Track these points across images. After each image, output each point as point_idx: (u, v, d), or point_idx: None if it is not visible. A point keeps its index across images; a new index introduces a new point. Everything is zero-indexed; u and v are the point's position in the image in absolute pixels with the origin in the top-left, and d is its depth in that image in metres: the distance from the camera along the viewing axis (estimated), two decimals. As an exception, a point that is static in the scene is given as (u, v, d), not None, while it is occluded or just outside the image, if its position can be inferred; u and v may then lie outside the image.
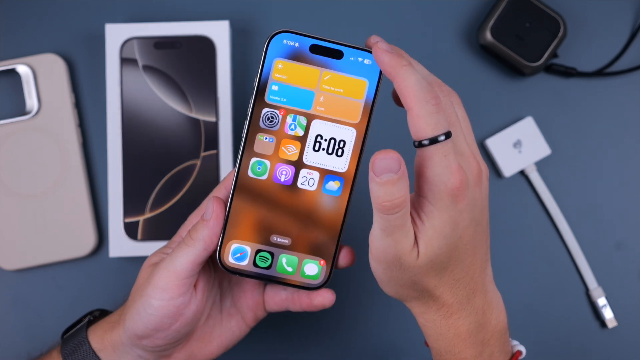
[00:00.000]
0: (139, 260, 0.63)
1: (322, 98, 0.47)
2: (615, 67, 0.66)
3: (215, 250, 0.48)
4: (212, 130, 0.63)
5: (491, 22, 0.64)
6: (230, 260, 0.48)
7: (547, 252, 0.65)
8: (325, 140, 0.47)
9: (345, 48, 0.47)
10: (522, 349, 0.52)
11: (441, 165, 0.44)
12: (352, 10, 0.66)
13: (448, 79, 0.66)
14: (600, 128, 0.66)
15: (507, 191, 0.66)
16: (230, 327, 0.53)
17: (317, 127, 0.47)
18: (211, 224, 0.47)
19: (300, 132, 0.47)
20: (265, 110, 0.47)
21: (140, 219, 0.62)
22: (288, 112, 0.47)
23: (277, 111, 0.47)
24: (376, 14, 0.66)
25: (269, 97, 0.47)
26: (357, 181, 0.48)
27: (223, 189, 0.49)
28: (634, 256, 0.65)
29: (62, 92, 0.64)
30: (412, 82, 0.44)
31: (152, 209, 0.62)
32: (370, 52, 0.47)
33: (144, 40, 0.63)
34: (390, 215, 0.43)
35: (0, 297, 0.63)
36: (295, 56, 0.46)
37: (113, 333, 0.50)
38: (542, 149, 0.65)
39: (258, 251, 0.48)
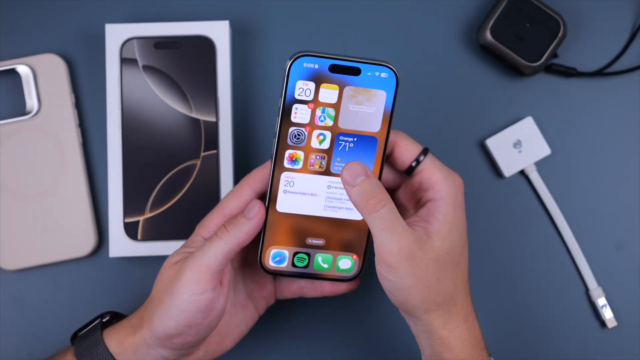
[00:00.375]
0: (139, 260, 0.63)
1: (344, 113, 0.50)
2: (615, 67, 0.66)
3: (244, 247, 0.51)
4: (212, 130, 0.63)
5: (491, 22, 0.64)
6: (271, 263, 0.52)
7: (547, 252, 0.65)
8: (350, 149, 0.51)
9: (363, 65, 0.49)
10: None
11: (442, 168, 0.51)
12: (352, 11, 0.66)
13: (448, 79, 0.66)
14: (600, 128, 0.66)
15: (507, 191, 0.66)
16: (244, 319, 0.55)
17: (342, 139, 0.50)
18: (254, 222, 0.49)
19: (326, 146, 0.50)
20: (292, 129, 0.50)
21: (140, 219, 0.62)
22: (313, 128, 0.50)
23: (303, 129, 0.50)
24: (376, 14, 0.66)
25: (293, 117, 0.50)
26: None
27: (253, 183, 0.52)
28: (634, 256, 0.65)
29: (62, 92, 0.64)
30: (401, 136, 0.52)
31: (152, 209, 0.62)
32: (386, 65, 0.50)
33: (144, 40, 0.63)
34: (380, 211, 0.47)
35: (0, 297, 0.63)
36: (315, 77, 0.49)
37: (135, 336, 0.50)
38: (542, 149, 0.65)
39: (295, 253, 0.53)
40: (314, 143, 0.50)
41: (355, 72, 0.49)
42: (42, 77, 0.64)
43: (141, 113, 0.63)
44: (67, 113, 0.64)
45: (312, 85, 0.49)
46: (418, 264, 0.47)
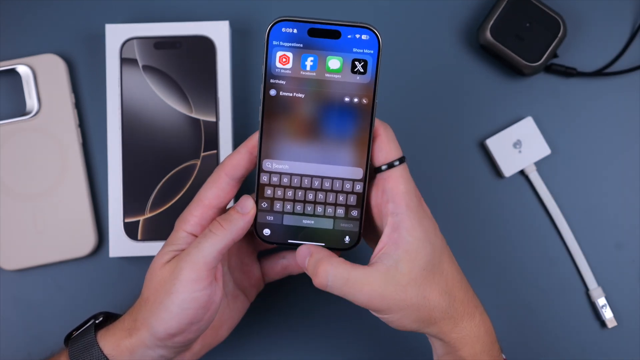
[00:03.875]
0: (139, 260, 0.63)
1: (326, 82, 0.49)
2: (615, 67, 0.66)
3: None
4: (212, 130, 0.63)
5: (491, 22, 0.64)
6: (266, 231, 0.51)
7: (547, 252, 0.65)
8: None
9: (342, 28, 0.48)
10: None
11: (408, 182, 0.50)
12: (352, 11, 0.66)
13: (448, 79, 0.66)
14: (600, 128, 0.66)
15: (507, 191, 0.66)
16: (236, 308, 0.56)
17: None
18: (248, 217, 0.50)
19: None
20: (271, 91, 0.49)
21: (140, 219, 0.62)
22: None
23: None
24: (376, 14, 0.66)
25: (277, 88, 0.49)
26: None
27: (229, 170, 0.51)
28: (634, 256, 0.65)
29: (62, 92, 0.64)
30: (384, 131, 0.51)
31: (152, 209, 0.62)
32: (367, 27, 0.48)
33: (144, 40, 0.63)
34: (329, 283, 0.48)
35: (0, 297, 0.63)
36: (295, 42, 0.48)
37: (132, 338, 0.50)
38: (542, 149, 0.65)
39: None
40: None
41: (335, 35, 0.48)
42: (42, 77, 0.64)
43: (141, 113, 0.63)
44: (67, 113, 0.64)
45: (290, 54, 0.48)
46: (394, 298, 0.48)
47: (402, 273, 0.48)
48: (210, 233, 0.49)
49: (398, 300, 0.48)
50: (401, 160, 0.50)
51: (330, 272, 0.48)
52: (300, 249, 0.50)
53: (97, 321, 0.53)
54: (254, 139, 0.51)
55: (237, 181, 0.51)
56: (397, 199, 0.49)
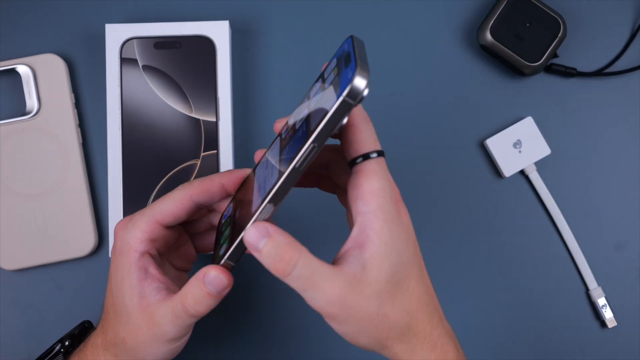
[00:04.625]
0: (139, 260, 0.63)
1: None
2: (615, 67, 0.66)
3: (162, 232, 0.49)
4: (212, 130, 0.63)
5: (491, 22, 0.64)
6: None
7: (547, 252, 0.65)
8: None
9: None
10: None
11: (384, 177, 0.43)
12: (352, 11, 0.66)
13: (448, 79, 0.66)
14: (600, 128, 0.66)
15: (507, 191, 0.66)
16: (182, 284, 0.52)
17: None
18: (219, 297, 0.46)
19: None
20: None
21: (140, 219, 0.62)
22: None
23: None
24: (376, 14, 0.66)
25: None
26: None
27: (196, 194, 0.49)
28: (634, 256, 0.65)
29: (62, 92, 0.64)
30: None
31: (152, 209, 0.62)
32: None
33: (144, 40, 0.63)
34: (293, 272, 0.42)
35: (0, 297, 0.63)
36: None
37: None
38: (542, 149, 0.65)
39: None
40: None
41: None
42: (42, 77, 0.64)
43: (141, 113, 0.63)
44: (67, 113, 0.64)
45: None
46: (355, 308, 0.42)
47: (367, 282, 0.42)
48: (177, 318, 0.47)
49: (358, 311, 0.42)
50: (379, 153, 0.44)
51: (300, 262, 0.42)
52: (252, 228, 0.43)
53: (65, 344, 0.53)
54: (238, 175, 0.48)
55: (199, 207, 0.49)
56: (367, 196, 0.43)
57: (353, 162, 0.44)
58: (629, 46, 0.66)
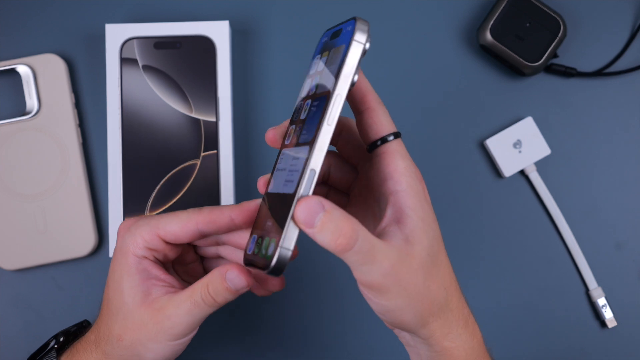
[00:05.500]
0: (139, 260, 0.63)
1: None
2: (615, 67, 0.66)
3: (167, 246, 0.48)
4: (212, 130, 0.63)
5: (491, 22, 0.64)
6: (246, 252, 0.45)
7: (547, 252, 0.65)
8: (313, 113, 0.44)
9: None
10: None
11: (406, 157, 0.44)
12: (352, 11, 0.66)
13: (448, 79, 0.66)
14: (600, 128, 0.66)
15: (507, 191, 0.66)
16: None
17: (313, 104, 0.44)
18: (237, 294, 0.47)
19: (304, 116, 0.45)
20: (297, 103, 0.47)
21: (140, 219, 0.62)
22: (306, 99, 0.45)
23: (302, 102, 0.46)
24: (376, 14, 0.66)
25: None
26: None
27: (204, 224, 0.48)
28: (634, 256, 0.65)
29: (62, 92, 0.64)
30: (369, 86, 0.45)
31: (152, 209, 0.62)
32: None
33: (144, 40, 0.63)
34: (355, 247, 0.40)
35: (0, 297, 0.63)
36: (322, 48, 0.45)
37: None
38: (542, 149, 0.65)
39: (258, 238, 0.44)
40: (302, 115, 0.44)
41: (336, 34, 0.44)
42: (42, 77, 0.64)
43: (141, 113, 0.63)
44: (67, 113, 0.64)
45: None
46: (407, 280, 0.42)
47: (413, 255, 0.42)
48: (198, 303, 0.47)
49: (408, 283, 0.42)
50: (396, 135, 0.44)
51: (361, 233, 0.40)
52: (303, 204, 0.40)
53: (60, 340, 0.52)
54: (248, 208, 0.47)
55: (203, 235, 0.48)
56: (396, 175, 0.43)
57: (374, 146, 0.45)
58: (629, 46, 0.66)
